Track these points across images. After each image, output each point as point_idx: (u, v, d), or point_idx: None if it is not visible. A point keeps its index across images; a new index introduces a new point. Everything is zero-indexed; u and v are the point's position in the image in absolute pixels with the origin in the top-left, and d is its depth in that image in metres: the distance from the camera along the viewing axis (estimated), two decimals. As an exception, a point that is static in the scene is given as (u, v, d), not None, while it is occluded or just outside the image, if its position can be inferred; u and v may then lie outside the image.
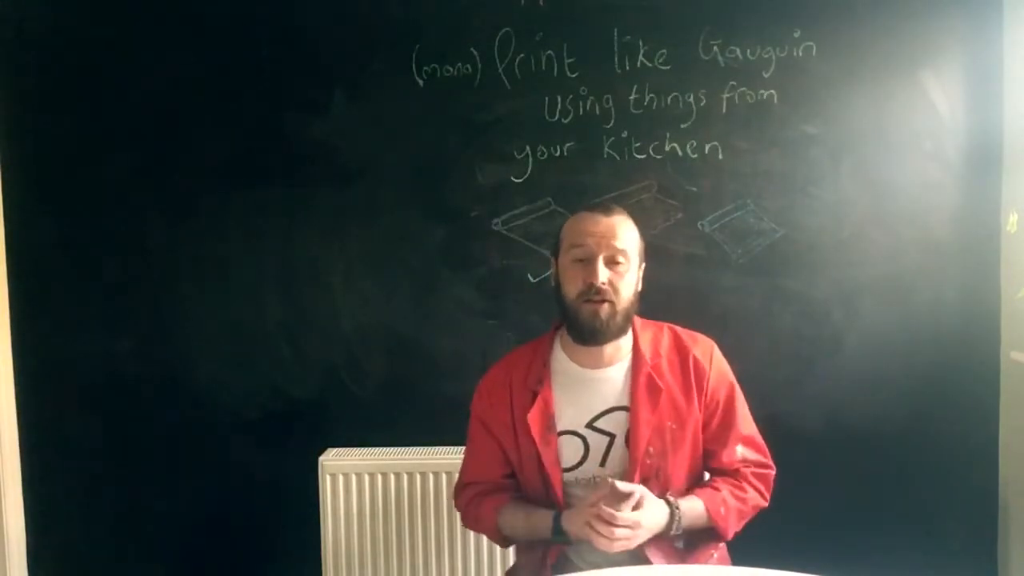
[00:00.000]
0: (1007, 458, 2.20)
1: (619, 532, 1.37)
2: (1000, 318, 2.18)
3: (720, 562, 1.58)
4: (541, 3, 2.19)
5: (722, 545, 1.60)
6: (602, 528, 1.38)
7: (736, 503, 1.53)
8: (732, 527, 1.53)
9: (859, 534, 2.22)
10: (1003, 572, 2.22)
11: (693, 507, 1.49)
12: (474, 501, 1.60)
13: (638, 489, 1.41)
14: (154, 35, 2.25)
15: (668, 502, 1.47)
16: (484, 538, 2.15)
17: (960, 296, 2.20)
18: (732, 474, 1.56)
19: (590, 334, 1.50)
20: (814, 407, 2.21)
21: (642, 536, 1.41)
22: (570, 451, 1.53)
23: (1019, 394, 2.14)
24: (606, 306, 1.47)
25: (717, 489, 1.54)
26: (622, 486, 1.39)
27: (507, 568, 1.81)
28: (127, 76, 2.26)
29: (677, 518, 1.46)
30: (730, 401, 1.58)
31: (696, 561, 1.53)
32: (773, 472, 1.59)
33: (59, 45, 2.27)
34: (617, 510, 1.38)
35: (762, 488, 1.57)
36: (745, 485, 1.55)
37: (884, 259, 2.20)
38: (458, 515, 1.69)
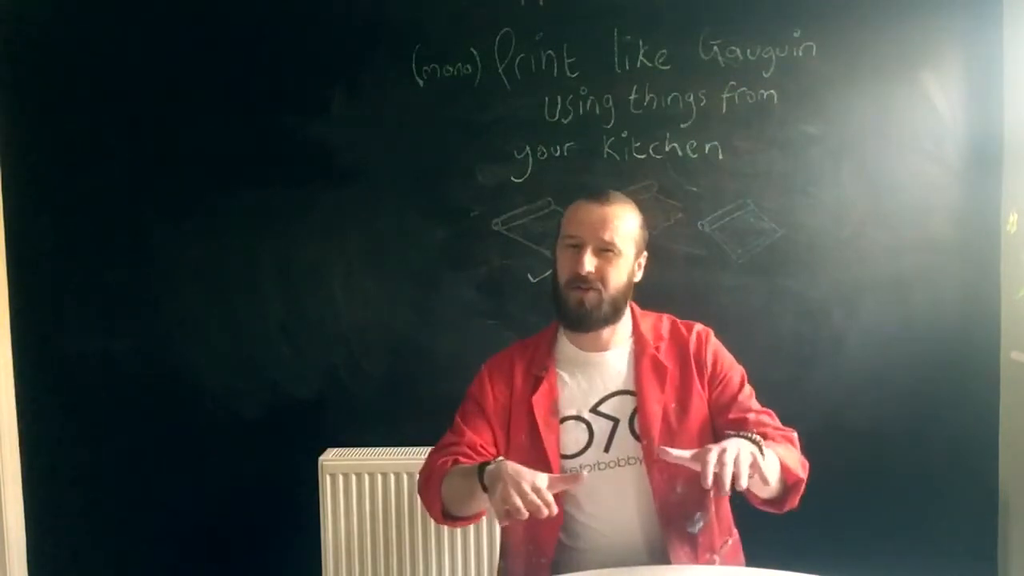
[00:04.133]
0: (1007, 458, 2.20)
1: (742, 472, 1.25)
2: (1000, 318, 2.18)
3: (734, 548, 1.58)
4: (541, 3, 2.19)
5: (735, 531, 1.60)
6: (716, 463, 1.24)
7: (787, 451, 1.44)
8: (800, 472, 1.42)
9: (859, 534, 2.22)
10: (1003, 572, 2.22)
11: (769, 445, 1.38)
12: (441, 456, 1.51)
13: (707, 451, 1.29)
14: (154, 35, 2.24)
15: (744, 435, 1.36)
16: (483, 538, 2.16)
17: (960, 296, 2.20)
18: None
19: (575, 320, 1.52)
20: (814, 407, 2.20)
21: (744, 463, 1.25)
22: (574, 438, 1.52)
23: (1019, 394, 2.14)
24: (591, 294, 1.49)
25: (764, 435, 1.45)
26: (677, 453, 1.32)
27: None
28: (127, 76, 2.26)
29: (759, 442, 1.34)
30: (739, 378, 1.55)
31: (711, 546, 1.52)
32: (795, 433, 1.52)
33: (59, 45, 2.27)
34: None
35: (794, 447, 1.49)
36: (780, 439, 1.48)
37: (884, 259, 2.20)
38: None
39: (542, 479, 1.29)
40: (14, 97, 2.28)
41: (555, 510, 1.27)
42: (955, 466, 2.21)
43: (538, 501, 1.25)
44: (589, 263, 1.48)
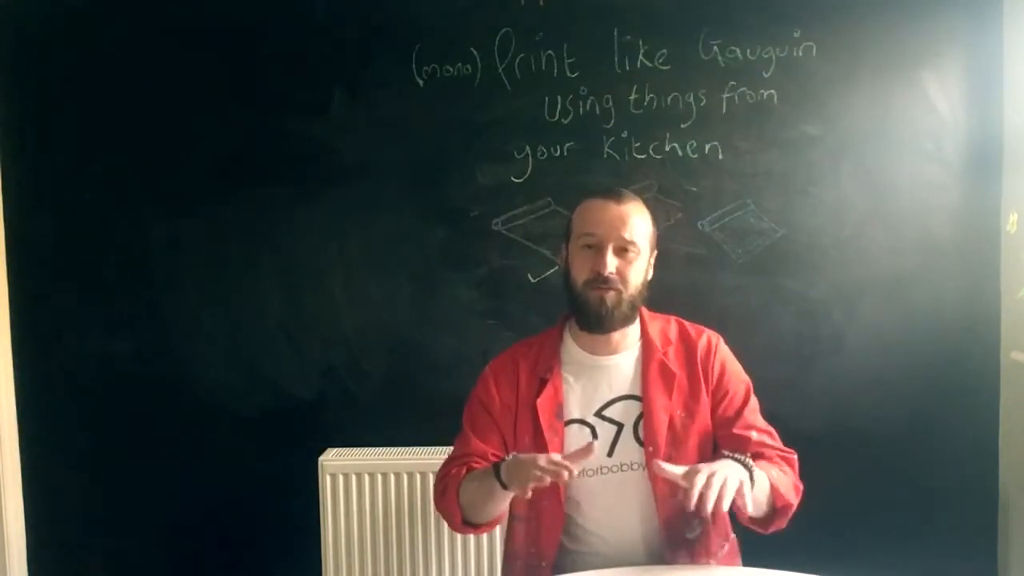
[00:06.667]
0: (1007, 459, 2.20)
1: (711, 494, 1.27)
2: (1000, 318, 2.18)
3: (731, 551, 1.57)
4: (541, 3, 2.19)
5: (733, 536, 1.59)
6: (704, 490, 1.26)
7: (781, 475, 1.45)
8: (791, 497, 1.44)
9: (859, 534, 2.22)
10: (1003, 572, 2.22)
11: (760, 469, 1.40)
12: (454, 466, 1.51)
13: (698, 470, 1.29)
14: (154, 35, 2.25)
15: (737, 459, 1.38)
16: (483, 539, 2.16)
17: (960, 296, 2.20)
18: (755, 457, 1.48)
19: (596, 321, 1.50)
20: (814, 407, 2.20)
21: (731, 488, 1.28)
22: (577, 441, 1.50)
23: (1019, 394, 2.14)
24: (612, 294, 1.47)
25: (759, 456, 1.46)
26: (671, 469, 1.32)
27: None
28: (127, 76, 2.26)
29: (750, 467, 1.36)
30: (744, 392, 1.55)
31: (707, 551, 1.51)
32: (795, 455, 1.53)
33: (59, 45, 2.27)
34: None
35: (792, 471, 1.50)
36: (778, 461, 1.49)
37: (884, 259, 2.20)
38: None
39: (555, 455, 1.32)
40: (14, 97, 2.28)
41: (574, 470, 1.29)
42: (955, 466, 2.21)
43: (556, 468, 1.28)
44: (612, 262, 1.46)
